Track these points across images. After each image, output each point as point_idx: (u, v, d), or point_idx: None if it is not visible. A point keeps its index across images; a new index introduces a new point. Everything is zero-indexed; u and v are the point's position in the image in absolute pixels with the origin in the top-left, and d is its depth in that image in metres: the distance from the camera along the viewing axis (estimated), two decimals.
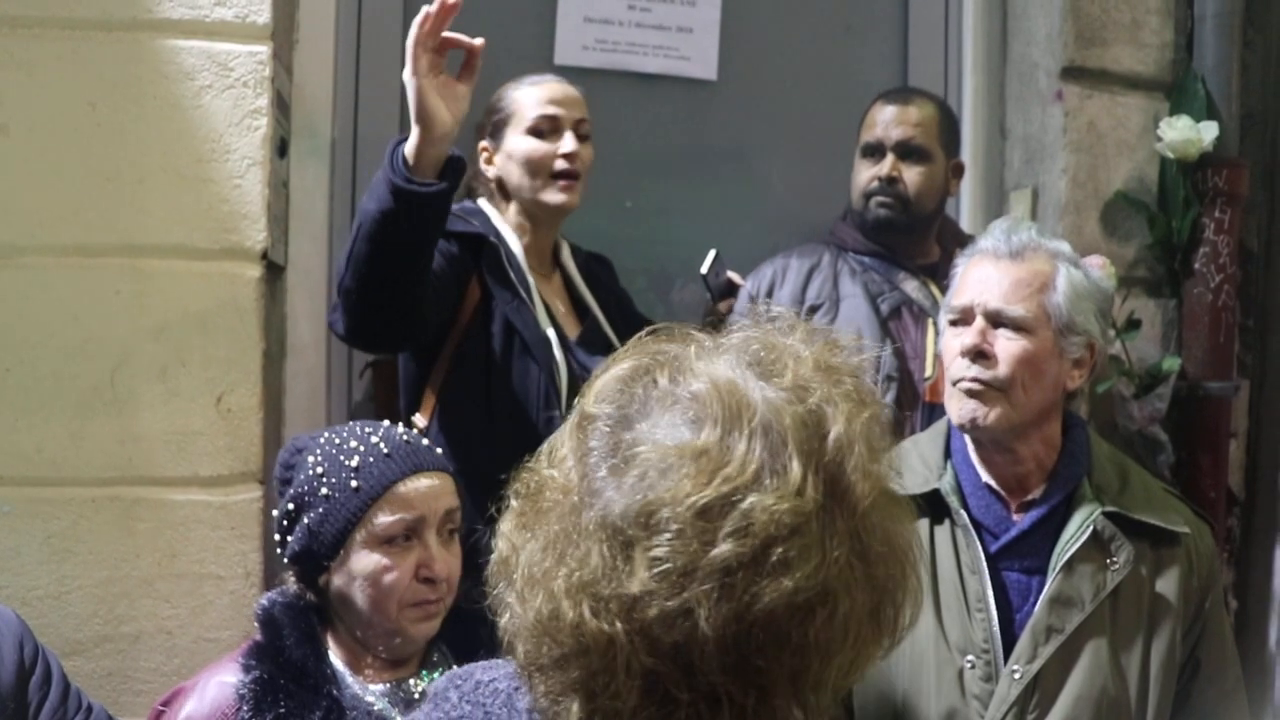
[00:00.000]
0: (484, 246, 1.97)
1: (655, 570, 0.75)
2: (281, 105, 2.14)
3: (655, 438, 0.79)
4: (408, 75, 1.68)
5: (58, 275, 1.97)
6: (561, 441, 0.86)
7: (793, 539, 0.75)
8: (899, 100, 2.31)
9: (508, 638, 0.85)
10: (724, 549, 0.75)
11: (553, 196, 2.01)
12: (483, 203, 2.08)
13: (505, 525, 0.87)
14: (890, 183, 2.25)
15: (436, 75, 1.70)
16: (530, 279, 2.00)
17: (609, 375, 0.85)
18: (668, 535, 0.75)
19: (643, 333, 0.90)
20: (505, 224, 2.04)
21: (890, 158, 2.26)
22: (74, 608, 1.95)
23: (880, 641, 0.82)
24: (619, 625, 0.76)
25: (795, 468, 0.77)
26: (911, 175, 2.26)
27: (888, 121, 2.28)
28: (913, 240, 2.31)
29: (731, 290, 2.31)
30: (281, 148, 2.15)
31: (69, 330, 1.96)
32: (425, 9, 1.68)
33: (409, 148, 1.68)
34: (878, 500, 0.81)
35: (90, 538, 1.96)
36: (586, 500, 0.80)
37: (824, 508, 0.77)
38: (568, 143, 2.02)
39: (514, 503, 0.87)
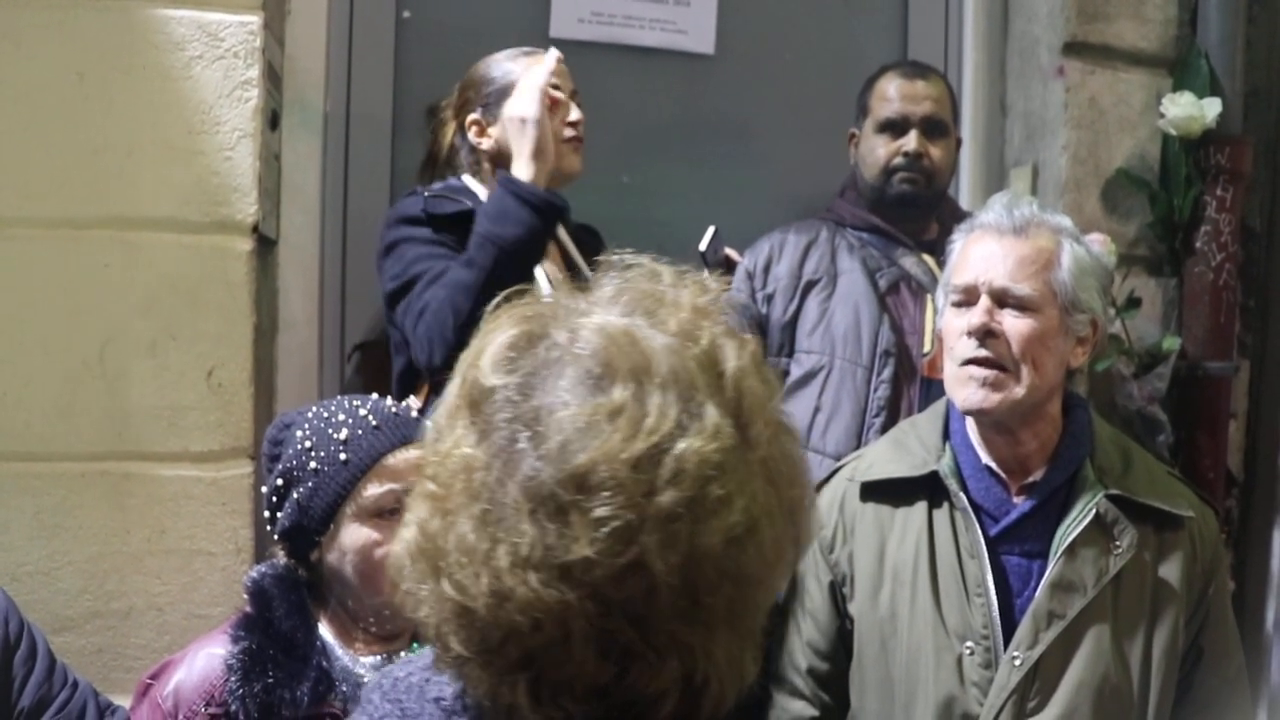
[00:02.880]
0: (474, 221, 1.95)
1: (600, 530, 0.75)
2: (273, 76, 2.12)
3: (567, 400, 0.78)
4: (536, 115, 1.87)
5: (46, 248, 1.95)
6: (450, 420, 0.84)
7: (724, 476, 0.78)
8: (916, 75, 2.29)
9: (433, 630, 0.83)
10: (666, 496, 0.76)
11: (570, 163, 2.03)
12: (467, 179, 2.05)
13: (417, 513, 0.84)
14: (917, 158, 2.23)
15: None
16: None
17: (496, 344, 0.83)
18: (606, 493, 0.75)
19: (498, 299, 0.89)
20: None
21: (914, 133, 2.24)
22: (64, 584, 1.94)
23: (788, 564, 0.86)
24: (571, 593, 0.75)
25: (710, 410, 0.79)
26: (935, 150, 2.25)
27: (909, 96, 2.25)
28: (928, 216, 2.29)
29: (729, 267, 2.29)
30: (273, 120, 2.13)
31: (58, 304, 1.94)
32: (555, 56, 1.94)
33: (527, 176, 1.86)
34: (776, 429, 0.84)
35: (80, 513, 1.95)
36: (505, 473, 0.78)
37: (739, 443, 0.80)
38: (574, 110, 2.04)
39: (428, 487, 0.83)
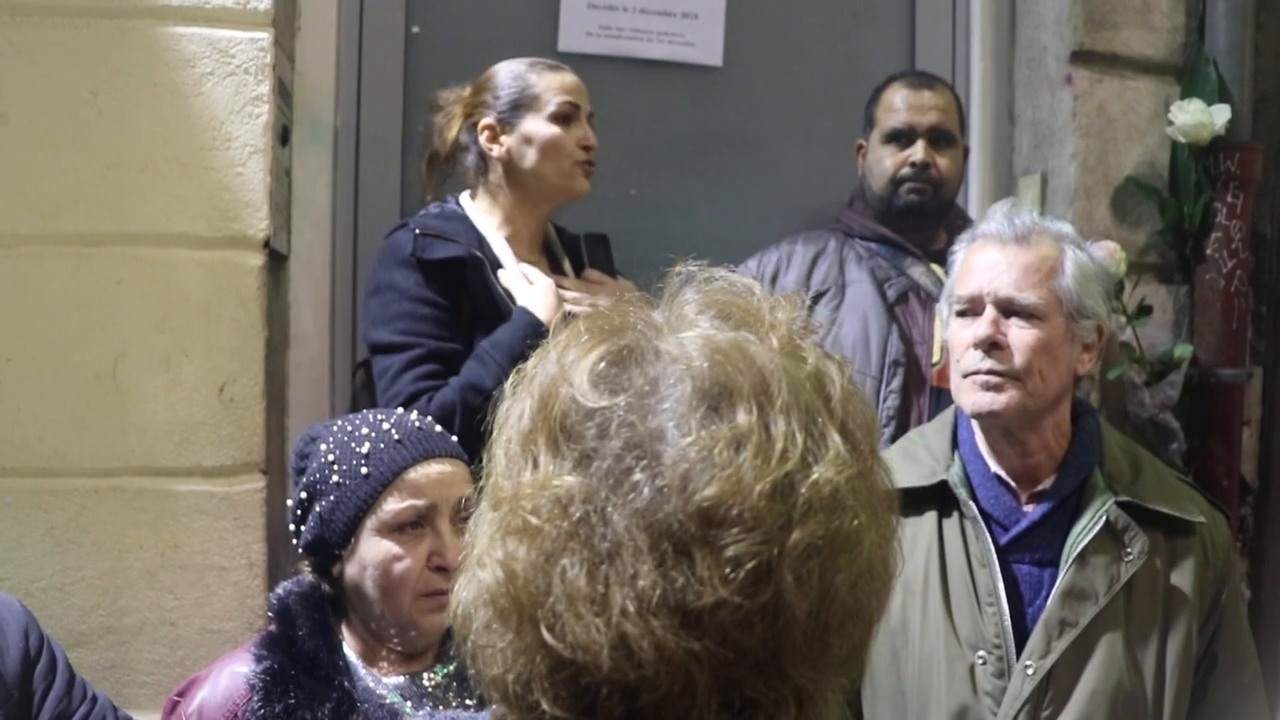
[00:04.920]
0: (466, 265, 1.95)
1: (731, 571, 0.67)
2: (283, 92, 2.13)
3: (686, 423, 0.70)
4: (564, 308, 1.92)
5: (59, 264, 1.96)
6: (526, 446, 0.75)
7: (856, 507, 0.72)
8: (922, 84, 2.30)
9: (512, 689, 0.72)
10: (801, 533, 0.69)
11: (580, 185, 2.05)
12: (464, 200, 2.06)
13: (498, 551, 0.73)
14: (924, 168, 2.24)
15: None
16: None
17: (589, 361, 0.74)
18: (737, 530, 0.68)
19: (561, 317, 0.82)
20: (489, 219, 2.03)
21: (921, 143, 2.25)
22: (77, 599, 1.94)
23: (889, 597, 0.78)
24: (698, 641, 0.67)
25: (833, 436, 0.73)
26: (943, 160, 2.26)
27: (916, 106, 2.27)
28: (936, 225, 2.30)
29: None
30: (283, 135, 2.13)
31: (71, 319, 1.95)
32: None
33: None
34: (876, 457, 0.77)
35: (93, 528, 1.95)
36: (615, 506, 0.69)
37: (859, 471, 0.73)
38: (591, 133, 2.05)
39: (525, 520, 0.72)
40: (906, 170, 2.25)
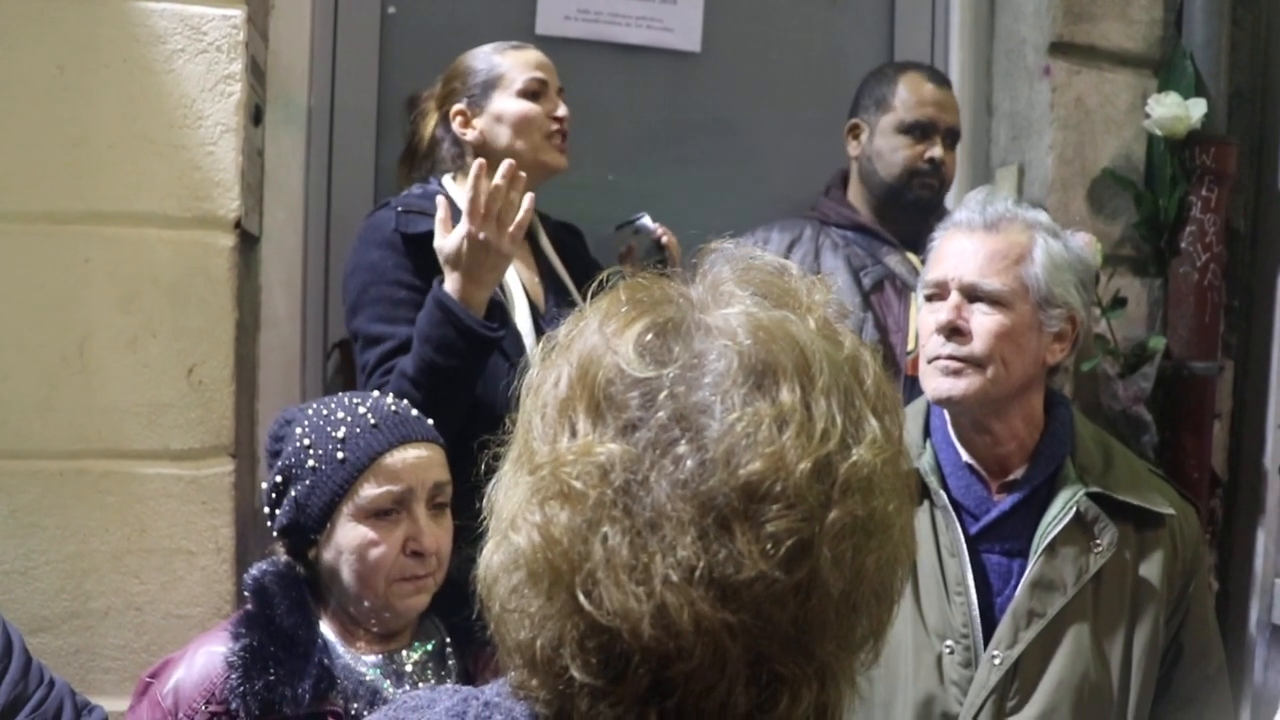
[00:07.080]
0: None
1: (772, 546, 0.69)
2: (256, 71, 2.10)
3: (732, 401, 0.71)
4: (465, 231, 1.74)
5: (25, 242, 1.92)
6: (563, 414, 0.75)
7: (888, 490, 0.74)
8: (942, 81, 2.31)
9: (541, 654, 0.73)
10: (839, 512, 0.70)
11: (554, 158, 2.03)
12: (446, 181, 2.04)
13: (536, 516, 0.73)
14: (940, 166, 2.25)
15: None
16: None
17: (634, 331, 0.74)
18: (778, 506, 0.69)
19: (599, 281, 0.81)
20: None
21: (939, 140, 2.25)
22: (41, 583, 1.92)
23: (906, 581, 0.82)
24: (735, 614, 0.68)
25: (870, 419, 0.74)
26: (950, 160, 2.28)
27: (939, 103, 2.27)
28: (927, 221, 2.30)
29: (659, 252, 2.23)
30: (256, 115, 2.11)
31: (36, 298, 1.92)
32: (499, 176, 1.76)
33: (456, 292, 1.76)
34: (903, 442, 0.78)
35: (58, 511, 1.92)
36: (657, 477, 0.70)
37: (893, 455, 0.75)
38: (561, 105, 2.04)
39: (568, 485, 0.72)
40: (924, 165, 2.25)
